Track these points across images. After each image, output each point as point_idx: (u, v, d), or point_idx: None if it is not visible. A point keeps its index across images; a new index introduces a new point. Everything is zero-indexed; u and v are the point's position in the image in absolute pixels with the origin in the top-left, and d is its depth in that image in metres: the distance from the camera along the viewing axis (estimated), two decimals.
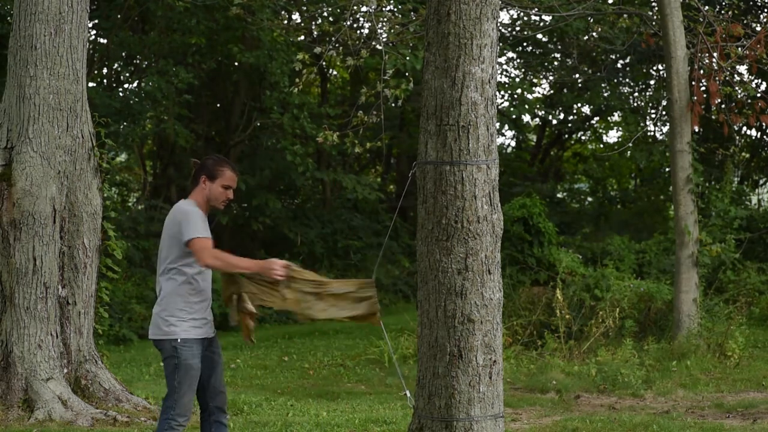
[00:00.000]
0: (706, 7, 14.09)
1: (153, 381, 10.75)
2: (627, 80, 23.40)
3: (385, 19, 14.48)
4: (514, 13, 20.01)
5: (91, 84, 18.17)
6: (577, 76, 23.13)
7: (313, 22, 19.74)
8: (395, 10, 16.69)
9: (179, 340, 5.38)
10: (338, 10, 17.84)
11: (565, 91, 24.81)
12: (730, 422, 8.32)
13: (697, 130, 16.40)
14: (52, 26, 8.28)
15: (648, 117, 24.21)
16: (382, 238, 21.83)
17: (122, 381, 9.01)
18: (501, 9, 12.46)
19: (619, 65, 22.46)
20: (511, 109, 19.82)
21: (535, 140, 29.11)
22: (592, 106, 24.87)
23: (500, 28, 18.12)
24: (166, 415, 5.39)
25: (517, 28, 19.03)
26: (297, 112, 18.37)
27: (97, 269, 8.69)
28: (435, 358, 5.21)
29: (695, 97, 11.96)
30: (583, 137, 30.13)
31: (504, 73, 23.70)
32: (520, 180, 26.57)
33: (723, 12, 16.44)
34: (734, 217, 15.66)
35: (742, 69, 14.58)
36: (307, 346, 14.10)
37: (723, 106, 16.21)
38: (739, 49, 12.39)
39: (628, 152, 22.62)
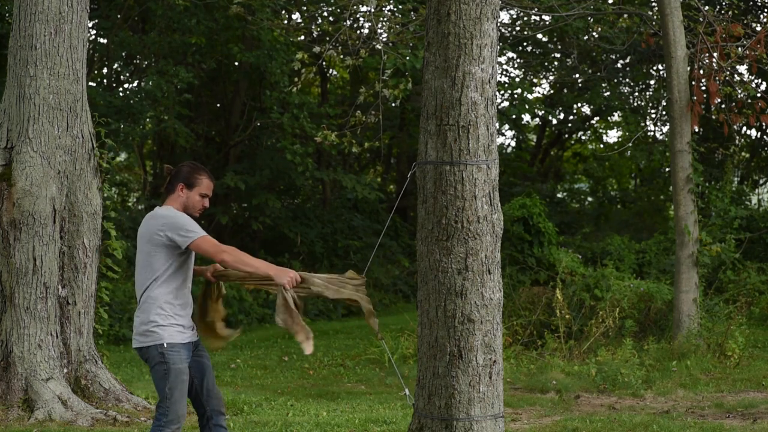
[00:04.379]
0: (706, 7, 14.10)
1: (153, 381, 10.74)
2: (627, 80, 23.42)
3: (385, 19, 14.48)
4: (514, 13, 20.01)
5: (91, 84, 18.18)
6: (577, 76, 23.15)
7: (313, 22, 19.75)
8: (395, 10, 16.69)
9: (165, 345, 5.27)
10: (338, 10, 17.84)
11: (565, 91, 24.83)
12: (730, 422, 8.32)
13: (697, 130, 16.41)
14: (52, 26, 8.28)
15: (648, 117, 24.23)
16: (381, 238, 21.82)
17: (122, 381, 9.01)
18: (501, 9, 12.47)
19: (619, 65, 22.47)
20: (511, 109, 19.84)
21: (535, 140, 29.12)
22: (592, 106, 24.90)
23: (500, 28, 18.12)
24: (159, 422, 5.30)
25: (517, 28, 19.03)
26: (297, 112, 18.37)
27: (97, 269, 8.69)
28: (435, 358, 5.21)
29: (695, 97, 11.97)
30: (583, 137, 30.15)
31: (504, 73, 23.71)
32: (520, 180, 26.60)
33: (723, 12, 16.46)
34: (734, 217, 15.67)
35: (742, 69, 14.60)
36: None
37: (723, 106, 16.22)
38: (739, 49, 12.39)
39: (628, 152, 22.66)
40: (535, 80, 24.61)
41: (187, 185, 5.43)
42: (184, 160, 20.77)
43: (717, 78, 12.06)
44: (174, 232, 5.27)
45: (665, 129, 23.78)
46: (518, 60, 23.92)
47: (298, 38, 19.52)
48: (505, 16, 21.07)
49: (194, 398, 5.52)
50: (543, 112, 23.84)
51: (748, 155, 23.69)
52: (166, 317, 5.31)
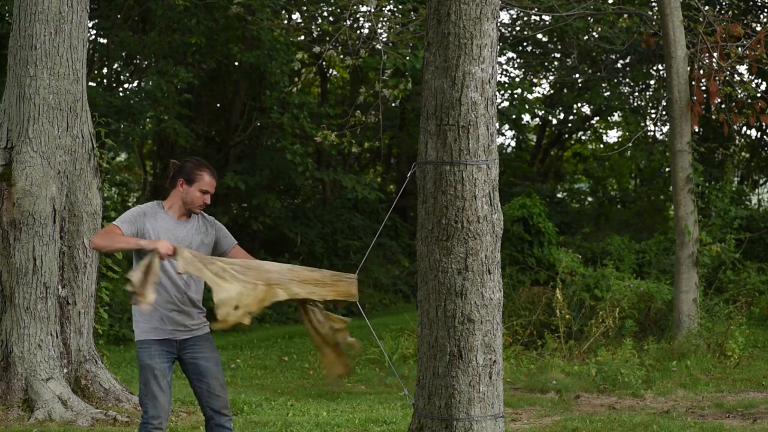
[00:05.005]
0: (706, 7, 14.10)
1: None
2: (627, 80, 23.42)
3: (385, 19, 14.48)
4: (514, 13, 20.00)
5: (91, 84, 18.18)
6: (577, 76, 23.14)
7: (313, 22, 19.75)
8: (395, 10, 16.70)
9: (138, 342, 5.45)
10: (338, 10, 17.84)
11: (565, 91, 24.82)
12: (730, 422, 8.32)
13: (697, 130, 16.41)
14: (52, 26, 8.28)
15: (648, 117, 24.23)
16: (381, 238, 21.84)
17: (122, 381, 9.01)
18: (501, 9, 12.46)
19: (619, 65, 22.47)
20: (511, 109, 19.83)
21: (535, 140, 29.12)
22: (592, 106, 24.90)
23: (500, 28, 18.12)
24: (142, 419, 5.39)
25: (517, 28, 19.03)
26: (297, 112, 18.37)
27: (97, 269, 8.69)
28: (435, 358, 5.21)
29: (695, 97, 11.97)
30: (583, 137, 30.15)
31: (504, 73, 23.71)
32: (520, 180, 26.60)
33: (723, 12, 16.45)
34: (734, 217, 15.67)
35: (742, 69, 14.59)
36: (307, 346, 14.10)
37: (723, 106, 16.22)
38: (739, 49, 12.39)
39: (628, 152, 22.66)
40: (535, 80, 24.60)
41: (188, 181, 5.47)
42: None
43: (717, 78, 12.05)
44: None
45: (665, 129, 23.78)
46: (518, 60, 23.91)
47: (298, 38, 19.52)
48: (505, 16, 21.08)
49: (197, 398, 5.58)
50: (543, 112, 23.84)
51: (748, 155, 23.69)
52: (142, 315, 5.41)
